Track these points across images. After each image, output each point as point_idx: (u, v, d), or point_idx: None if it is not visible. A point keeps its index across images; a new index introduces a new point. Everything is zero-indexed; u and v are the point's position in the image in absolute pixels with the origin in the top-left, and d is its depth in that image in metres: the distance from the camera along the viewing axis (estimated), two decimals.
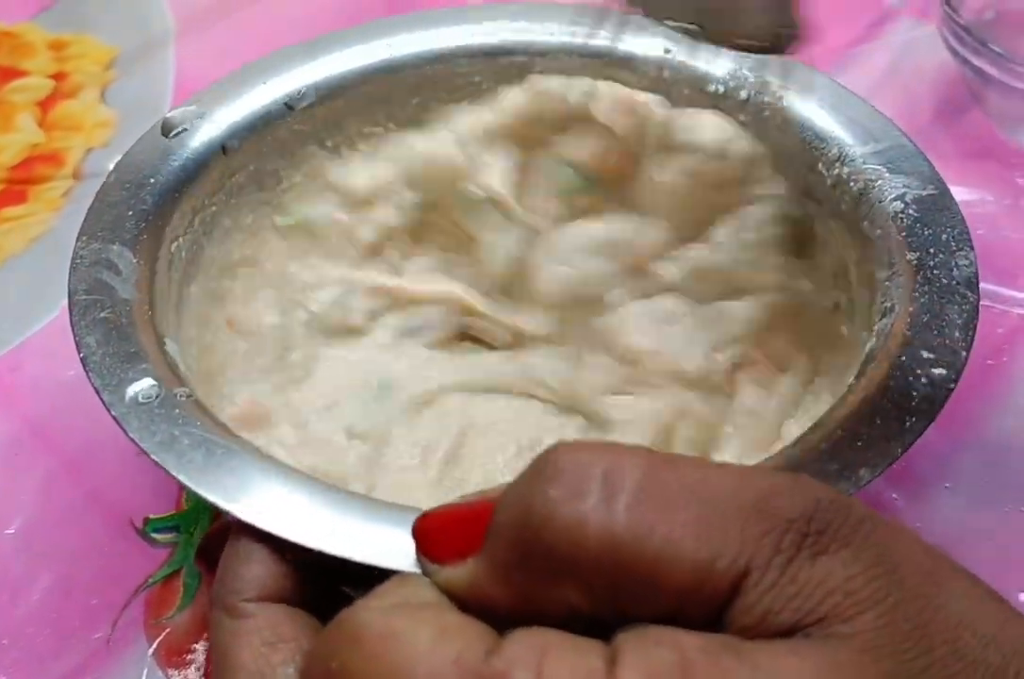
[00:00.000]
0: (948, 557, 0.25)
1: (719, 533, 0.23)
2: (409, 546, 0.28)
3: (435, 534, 0.27)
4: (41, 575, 0.42)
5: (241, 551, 0.30)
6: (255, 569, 0.30)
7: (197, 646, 0.40)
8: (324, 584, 0.31)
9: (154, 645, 0.40)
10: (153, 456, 0.31)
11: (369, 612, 0.25)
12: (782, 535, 0.23)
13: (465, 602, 0.26)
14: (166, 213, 0.39)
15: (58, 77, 0.63)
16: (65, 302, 0.50)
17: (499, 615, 0.25)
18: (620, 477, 0.24)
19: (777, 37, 0.35)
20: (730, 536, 0.23)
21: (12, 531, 0.43)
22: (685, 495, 0.24)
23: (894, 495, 0.43)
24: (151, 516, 0.43)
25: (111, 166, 0.57)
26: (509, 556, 0.25)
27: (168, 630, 0.40)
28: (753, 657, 0.22)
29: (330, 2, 0.67)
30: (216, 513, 0.43)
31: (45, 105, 0.62)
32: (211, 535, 0.41)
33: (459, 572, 0.26)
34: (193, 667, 0.39)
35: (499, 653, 0.23)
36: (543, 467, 0.24)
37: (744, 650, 0.23)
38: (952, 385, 0.33)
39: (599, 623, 0.24)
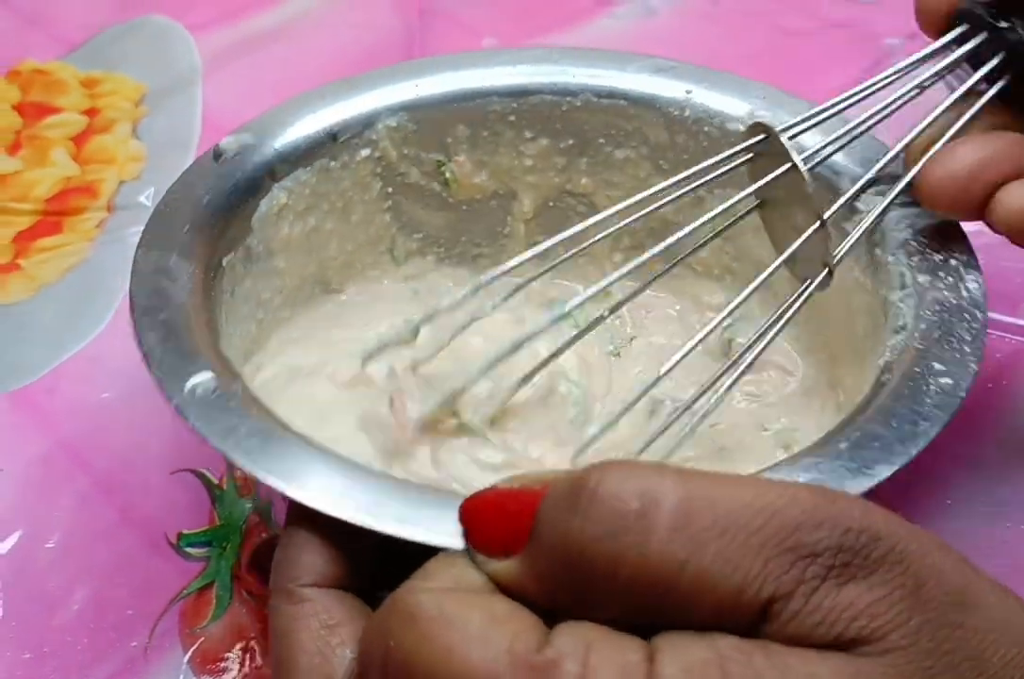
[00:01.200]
0: (979, 570, 0.26)
1: (746, 566, 0.24)
2: (453, 527, 0.29)
3: (482, 524, 0.28)
4: (79, 587, 0.44)
5: (298, 540, 0.32)
6: (311, 557, 0.31)
7: (230, 654, 0.41)
8: (374, 571, 0.32)
9: (189, 653, 0.42)
10: (213, 443, 0.33)
11: (423, 594, 0.27)
12: (807, 567, 0.24)
13: (509, 592, 0.27)
14: (219, 230, 0.41)
15: (91, 113, 0.66)
16: (99, 329, 0.53)
17: (541, 608, 0.27)
18: (655, 511, 0.25)
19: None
20: (755, 569, 0.24)
21: (51, 545, 0.45)
22: (717, 530, 0.25)
23: (896, 510, 0.44)
24: (185, 531, 0.45)
25: (142, 198, 0.61)
26: (549, 572, 0.26)
27: (202, 639, 0.42)
28: (785, 658, 0.24)
29: (351, 42, 0.70)
30: (247, 528, 0.45)
31: (79, 140, 0.64)
32: (261, 545, 0.43)
33: (504, 567, 0.27)
34: (227, 675, 0.41)
35: (549, 644, 0.25)
36: (581, 494, 0.26)
37: (777, 651, 0.24)
38: (963, 393, 0.35)
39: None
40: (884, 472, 0.33)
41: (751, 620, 0.25)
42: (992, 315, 0.50)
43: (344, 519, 0.31)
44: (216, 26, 0.71)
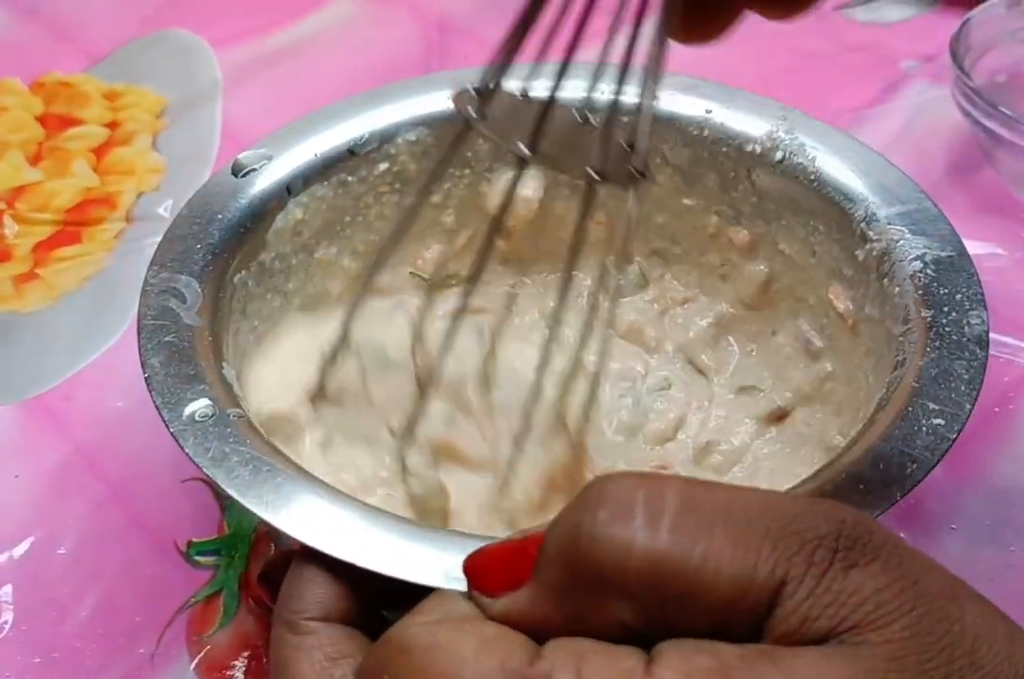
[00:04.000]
0: (962, 580, 0.27)
1: (755, 548, 0.25)
2: (447, 564, 0.30)
3: (487, 571, 0.29)
4: (89, 593, 0.44)
5: (306, 575, 0.32)
6: (318, 592, 0.32)
7: (236, 662, 0.42)
8: (377, 606, 0.33)
9: (196, 661, 0.42)
10: (205, 470, 0.34)
11: (415, 627, 0.27)
12: (814, 550, 0.25)
13: (518, 627, 0.27)
14: (232, 247, 0.42)
15: (112, 125, 0.67)
16: (115, 338, 0.54)
17: (552, 635, 0.27)
18: (661, 500, 0.26)
19: (622, 173, 0.36)
20: (766, 550, 0.25)
21: (63, 551, 0.45)
22: (721, 515, 0.26)
23: (901, 535, 0.44)
24: (194, 540, 0.46)
25: (161, 209, 0.61)
26: (560, 578, 0.27)
27: (209, 647, 0.42)
28: (790, 663, 0.24)
29: (368, 60, 0.70)
30: (255, 538, 0.45)
31: (100, 152, 0.65)
32: (273, 561, 0.43)
33: (512, 601, 0.28)
34: None
35: (541, 658, 0.25)
36: (589, 495, 0.27)
37: (780, 656, 0.24)
38: (954, 435, 0.35)
39: (643, 642, 0.26)
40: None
41: (761, 607, 0.25)
42: (1001, 338, 0.51)
43: (331, 554, 0.31)
44: (238, 41, 0.72)
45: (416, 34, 0.73)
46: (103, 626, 0.43)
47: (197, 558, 0.45)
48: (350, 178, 0.46)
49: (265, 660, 0.42)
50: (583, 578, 0.26)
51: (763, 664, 0.24)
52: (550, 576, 0.27)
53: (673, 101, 0.46)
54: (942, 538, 0.45)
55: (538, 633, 0.27)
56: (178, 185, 0.62)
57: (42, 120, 0.67)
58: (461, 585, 0.29)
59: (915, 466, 0.34)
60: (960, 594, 0.26)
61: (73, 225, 0.60)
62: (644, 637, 0.26)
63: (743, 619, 0.25)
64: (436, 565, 0.31)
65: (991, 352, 0.37)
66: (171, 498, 0.47)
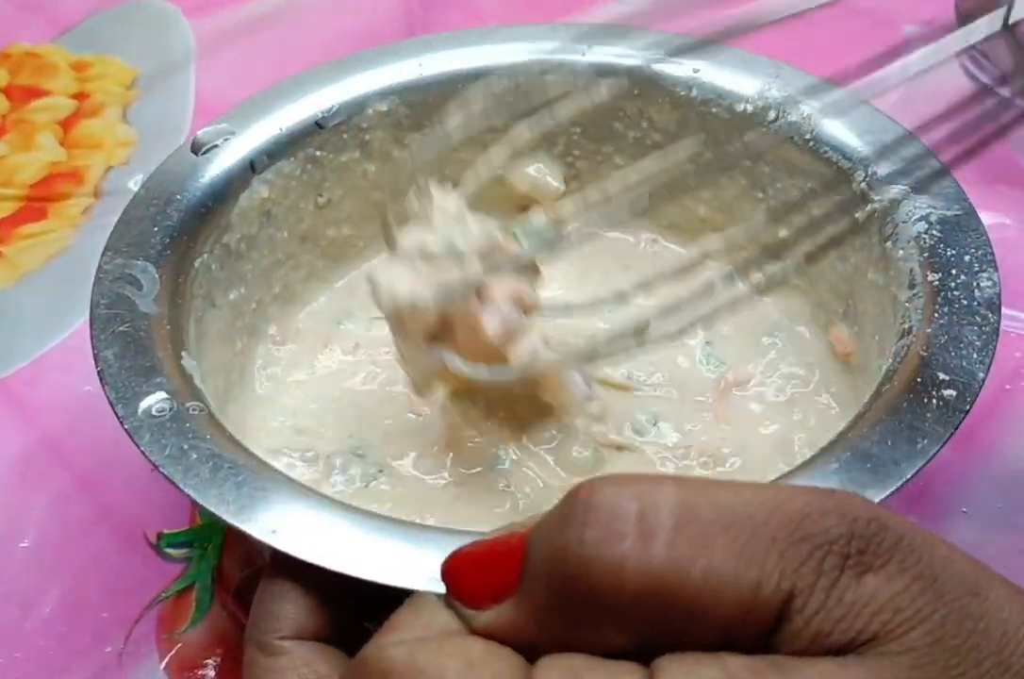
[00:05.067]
0: (984, 565, 0.25)
1: (759, 560, 0.23)
2: (425, 563, 0.28)
3: (467, 577, 0.26)
4: (53, 589, 0.42)
5: (275, 590, 0.30)
6: (289, 608, 0.30)
7: (209, 661, 0.40)
8: (356, 618, 0.30)
9: (166, 660, 0.40)
10: (162, 470, 0.32)
11: (392, 648, 0.25)
12: (824, 557, 0.23)
13: (505, 642, 0.25)
14: (192, 230, 0.40)
15: (80, 97, 0.64)
16: (83, 318, 0.52)
17: (542, 651, 0.24)
18: (655, 513, 0.23)
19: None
20: (771, 562, 0.23)
21: (26, 544, 0.43)
22: (721, 523, 0.23)
23: (911, 519, 0.42)
24: (165, 531, 0.44)
25: (131, 184, 0.59)
26: (547, 601, 0.24)
27: (180, 645, 0.40)
28: (803, 675, 0.22)
29: (348, 25, 0.68)
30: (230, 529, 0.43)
31: (67, 124, 0.63)
32: (245, 580, 0.41)
33: (496, 616, 0.25)
34: None
35: None
36: (575, 507, 0.24)
37: (792, 668, 0.22)
38: (967, 407, 0.33)
39: (640, 655, 0.24)
40: (874, 497, 0.30)
41: (767, 624, 0.23)
42: (1012, 312, 0.49)
43: (299, 557, 0.29)
44: (212, 8, 0.70)
45: (398, 1, 0.70)
46: (68, 623, 0.41)
47: (168, 550, 0.43)
48: (319, 153, 0.43)
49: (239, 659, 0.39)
50: (573, 601, 0.24)
51: (773, 676, 0.22)
52: (537, 596, 0.24)
53: (659, 61, 0.44)
54: (953, 522, 0.43)
55: (527, 648, 0.25)
56: (149, 159, 0.59)
57: (7, 92, 0.65)
58: (441, 586, 0.27)
59: (925, 441, 0.32)
60: (983, 585, 0.24)
61: (38, 201, 0.58)
62: (641, 650, 0.24)
63: (749, 635, 0.23)
64: (413, 565, 0.28)
65: (1002, 327, 0.35)
66: (140, 487, 0.45)
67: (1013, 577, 0.26)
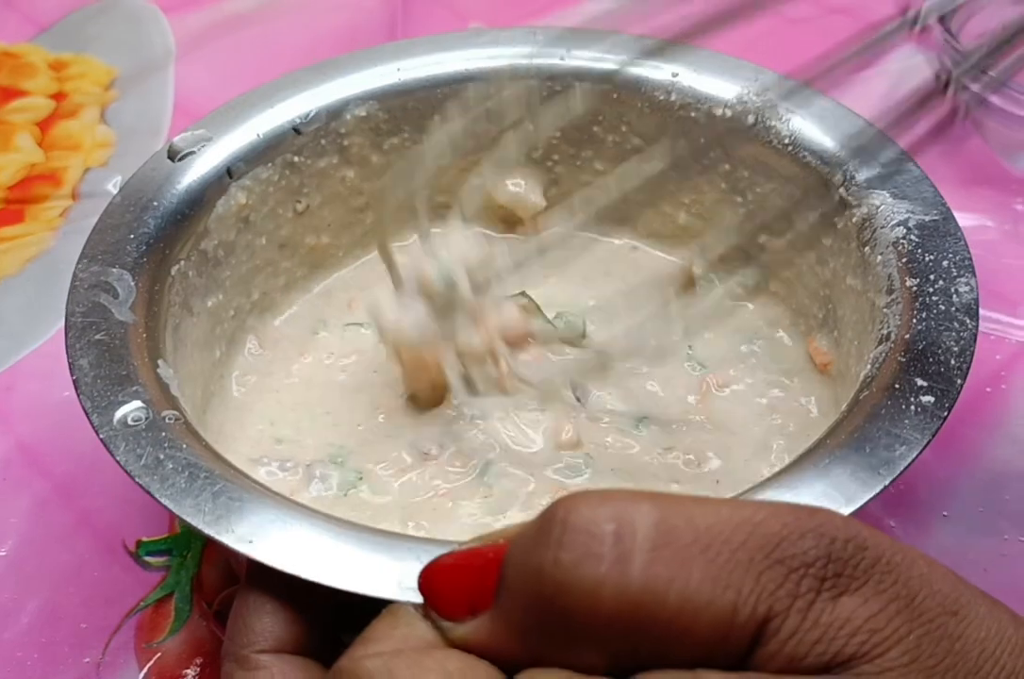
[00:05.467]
0: (965, 581, 0.25)
1: (736, 584, 0.23)
2: (401, 573, 0.28)
3: (444, 589, 0.26)
4: (31, 598, 0.42)
5: (252, 603, 0.30)
6: (266, 620, 0.30)
7: (188, 671, 0.39)
8: (332, 633, 0.30)
9: (145, 670, 0.40)
10: (137, 480, 0.32)
11: (369, 660, 0.25)
12: (800, 580, 0.23)
13: (483, 655, 0.25)
14: (169, 237, 0.39)
15: (58, 97, 0.64)
16: (61, 323, 0.51)
17: (520, 665, 0.24)
18: (631, 534, 0.23)
19: None
20: (747, 586, 0.23)
21: (3, 553, 0.43)
22: (699, 546, 0.23)
23: (892, 523, 0.43)
24: (144, 539, 0.43)
25: (110, 186, 0.58)
26: (524, 618, 0.24)
27: (159, 654, 0.40)
28: None
29: (329, 27, 0.67)
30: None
31: (44, 125, 0.62)
32: (228, 596, 0.41)
33: (474, 628, 0.25)
34: None
35: None
36: (552, 526, 0.24)
37: None
38: (945, 413, 0.33)
39: (618, 671, 0.24)
40: (853, 503, 0.30)
41: (743, 647, 0.23)
42: (992, 314, 0.49)
43: (276, 567, 0.29)
44: (192, 7, 0.69)
45: (379, 1, 0.70)
46: (46, 634, 0.41)
47: (147, 558, 0.43)
48: (297, 159, 0.43)
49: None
50: (549, 620, 0.24)
51: None
52: (513, 612, 0.24)
53: (638, 65, 0.43)
54: (933, 526, 0.43)
55: (505, 661, 0.25)
56: (128, 160, 0.59)
57: None
58: (418, 597, 0.27)
59: (904, 448, 0.32)
60: (962, 604, 0.24)
61: (15, 203, 0.58)
62: (619, 667, 0.24)
63: (725, 656, 0.23)
64: (390, 575, 0.28)
65: (982, 330, 0.35)
66: (119, 495, 0.44)
67: (994, 580, 0.26)
